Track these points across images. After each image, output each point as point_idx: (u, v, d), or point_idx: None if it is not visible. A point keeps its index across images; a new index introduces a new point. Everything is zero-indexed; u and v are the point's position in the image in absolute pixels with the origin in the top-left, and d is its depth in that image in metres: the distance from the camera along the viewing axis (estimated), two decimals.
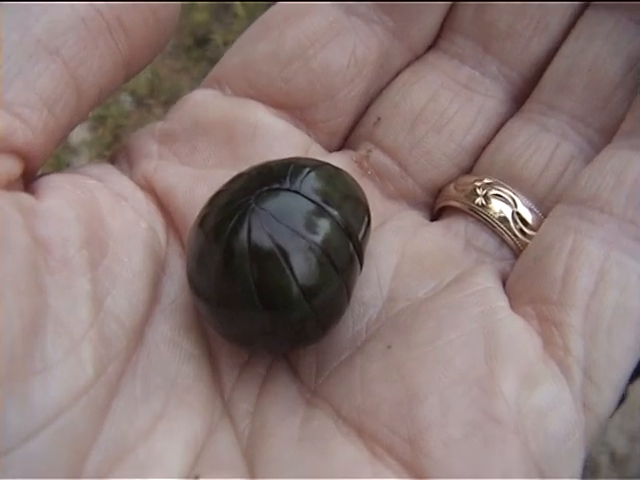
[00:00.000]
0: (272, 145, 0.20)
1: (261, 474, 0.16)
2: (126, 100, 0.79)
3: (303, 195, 0.17)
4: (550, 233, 0.18)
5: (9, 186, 0.16)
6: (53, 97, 0.16)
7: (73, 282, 0.15)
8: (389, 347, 0.17)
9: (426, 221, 0.20)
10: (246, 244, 0.16)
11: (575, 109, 0.20)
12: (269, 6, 0.21)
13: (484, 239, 0.20)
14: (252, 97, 0.20)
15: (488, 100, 0.21)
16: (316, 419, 0.17)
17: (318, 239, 0.16)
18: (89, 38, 0.17)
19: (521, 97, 0.21)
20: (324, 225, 0.16)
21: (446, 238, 0.20)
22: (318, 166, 0.18)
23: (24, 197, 0.16)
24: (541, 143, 0.20)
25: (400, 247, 0.19)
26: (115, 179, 0.19)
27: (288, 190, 0.17)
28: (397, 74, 0.21)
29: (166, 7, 0.18)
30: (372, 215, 0.18)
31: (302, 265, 0.16)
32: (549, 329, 0.17)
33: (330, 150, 0.21)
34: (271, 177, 0.17)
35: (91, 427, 0.15)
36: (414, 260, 0.19)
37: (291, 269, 0.16)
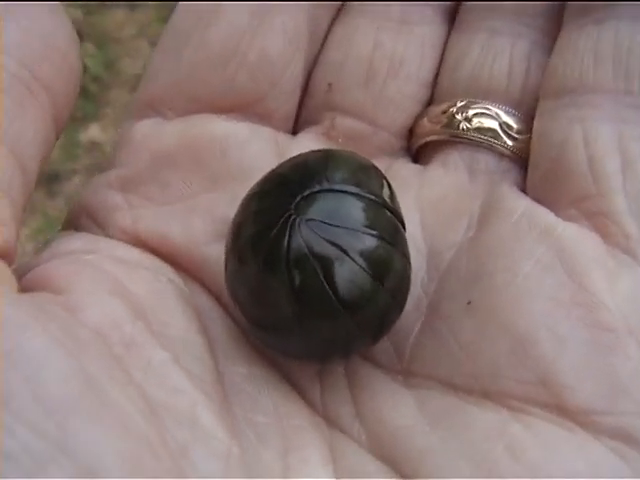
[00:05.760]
0: (244, 152, 0.19)
1: (411, 470, 0.16)
2: None
3: (340, 190, 0.16)
4: (554, 131, 0.18)
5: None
6: (6, 182, 0.15)
7: (152, 357, 0.15)
8: (469, 303, 0.17)
9: (418, 167, 0.20)
10: (309, 256, 0.15)
11: (515, 4, 0.19)
12: None
13: (484, 160, 0.19)
14: (198, 111, 0.19)
15: (427, 27, 0.20)
16: (431, 399, 0.16)
17: (368, 226, 0.16)
18: (15, 109, 0.16)
19: (455, 11, 0.20)
20: (363, 210, 0.16)
21: (448, 176, 0.19)
22: (329, 156, 0.17)
23: (44, 296, 0.15)
24: (497, 48, 0.19)
25: (414, 204, 0.19)
26: (104, 245, 0.18)
27: (326, 190, 0.16)
28: (328, 34, 0.20)
29: (70, 47, 0.17)
30: None
31: (367, 257, 0.16)
32: (602, 222, 0.17)
33: (293, 133, 0.20)
34: (300, 181, 0.16)
35: None
36: (433, 210, 0.18)
37: (358, 264, 0.15)
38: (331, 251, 0.15)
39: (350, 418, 0.17)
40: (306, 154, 0.17)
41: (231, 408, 0.16)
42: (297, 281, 0.15)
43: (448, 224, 0.18)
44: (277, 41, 0.19)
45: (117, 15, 0.74)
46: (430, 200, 0.19)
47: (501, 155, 0.19)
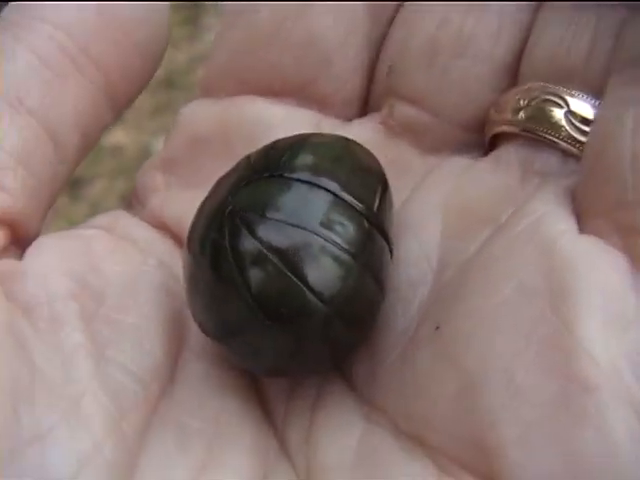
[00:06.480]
0: (274, 136, 0.17)
1: None
2: None
3: (287, 177, 0.14)
4: (606, 117, 0.14)
5: None
6: (25, 153, 0.15)
7: (64, 338, 0.14)
8: (437, 328, 0.14)
9: (472, 162, 0.17)
10: (231, 259, 0.14)
11: None
12: None
13: (543, 158, 0.16)
14: (246, 93, 0.18)
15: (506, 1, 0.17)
16: (375, 437, 0.14)
17: (316, 224, 0.14)
18: (55, 80, 0.16)
19: None
20: (320, 205, 0.14)
21: (496, 174, 0.16)
22: (302, 140, 0.15)
23: (3, 263, 0.15)
24: (580, 21, 0.16)
25: (442, 204, 0.16)
26: (123, 223, 0.18)
27: (270, 177, 0.14)
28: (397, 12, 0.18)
29: (143, 26, 0.16)
30: (412, 176, 0.17)
31: (306, 263, 0.13)
32: (633, 240, 0.13)
33: (352, 119, 0.18)
34: (251, 168, 0.15)
35: None
36: (461, 213, 0.16)
37: (294, 272, 0.13)
38: (256, 250, 0.13)
39: (299, 445, 0.15)
40: (289, 137, 0.16)
41: (170, 408, 0.15)
42: (218, 277, 0.14)
43: (470, 233, 0.15)
44: (325, 20, 0.18)
45: None
46: (461, 202, 0.16)
47: (566, 154, 0.16)
